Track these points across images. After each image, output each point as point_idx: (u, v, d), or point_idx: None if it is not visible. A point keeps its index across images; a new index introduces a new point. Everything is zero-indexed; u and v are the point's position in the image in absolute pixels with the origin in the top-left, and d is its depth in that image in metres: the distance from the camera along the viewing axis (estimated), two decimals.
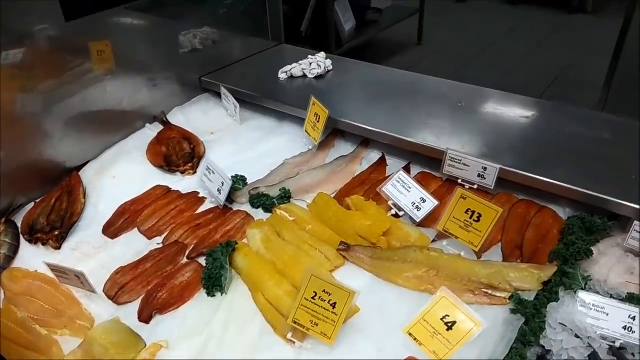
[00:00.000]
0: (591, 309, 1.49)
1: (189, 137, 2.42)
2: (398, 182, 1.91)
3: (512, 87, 2.71)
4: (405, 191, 1.88)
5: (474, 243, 1.67)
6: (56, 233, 1.93)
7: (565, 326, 1.45)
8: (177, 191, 2.14)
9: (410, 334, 1.48)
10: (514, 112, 2.31)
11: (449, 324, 1.45)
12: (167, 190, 2.15)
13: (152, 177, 2.23)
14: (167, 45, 2.54)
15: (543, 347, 1.42)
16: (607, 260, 1.67)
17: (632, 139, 2.07)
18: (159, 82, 2.55)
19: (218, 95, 2.72)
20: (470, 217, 1.65)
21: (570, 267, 1.61)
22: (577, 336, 1.43)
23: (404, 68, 2.92)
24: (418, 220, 1.83)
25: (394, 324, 1.52)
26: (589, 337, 1.43)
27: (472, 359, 1.41)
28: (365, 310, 1.54)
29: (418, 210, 1.84)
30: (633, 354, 1.40)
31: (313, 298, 1.46)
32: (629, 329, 1.43)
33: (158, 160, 2.30)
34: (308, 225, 1.86)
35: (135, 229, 1.99)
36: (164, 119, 2.56)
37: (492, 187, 1.93)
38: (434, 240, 1.79)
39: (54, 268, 1.72)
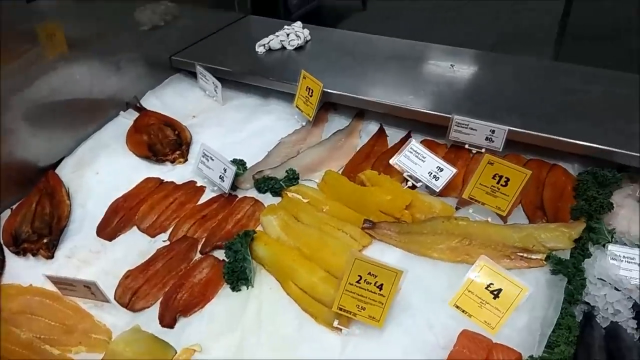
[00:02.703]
0: (622, 261, 1.52)
1: (170, 123, 2.25)
2: (411, 152, 1.85)
3: (466, 43, 2.71)
4: (420, 161, 1.84)
5: (501, 208, 1.65)
6: (45, 241, 1.74)
7: (604, 281, 1.48)
8: (171, 182, 1.99)
9: (457, 307, 1.46)
10: (504, 71, 2.32)
11: (495, 292, 1.44)
12: (160, 182, 1.99)
13: (139, 169, 2.05)
14: (128, 24, 2.31)
15: (588, 303, 1.44)
16: (625, 212, 1.71)
17: (624, 90, 2.13)
18: (126, 64, 2.33)
19: (191, 74, 2.54)
20: (498, 182, 1.62)
21: (595, 222, 1.63)
22: (616, 289, 1.46)
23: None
24: (438, 190, 1.79)
25: (437, 298, 1.49)
26: (625, 289, 1.46)
27: (524, 324, 1.40)
28: (404, 288, 1.49)
29: (436, 180, 1.80)
30: None
31: (358, 282, 1.39)
32: None
33: (142, 150, 2.12)
34: (325, 206, 1.78)
35: (134, 228, 1.83)
36: (138, 104, 2.35)
37: (501, 150, 1.92)
38: (457, 208, 1.76)
39: (57, 280, 1.55)
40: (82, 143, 2.14)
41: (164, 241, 1.77)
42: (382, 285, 1.38)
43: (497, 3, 6.31)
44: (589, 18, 3.78)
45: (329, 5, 6.20)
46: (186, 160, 2.10)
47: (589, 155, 1.86)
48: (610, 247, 1.55)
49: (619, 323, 1.37)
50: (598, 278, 1.49)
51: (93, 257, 1.73)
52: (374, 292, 1.39)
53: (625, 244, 1.59)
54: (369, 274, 1.39)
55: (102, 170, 2.04)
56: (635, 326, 1.36)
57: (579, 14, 3.97)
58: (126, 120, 2.28)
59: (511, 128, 1.88)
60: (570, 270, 1.48)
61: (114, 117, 2.29)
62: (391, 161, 1.86)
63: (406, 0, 6.60)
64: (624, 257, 1.52)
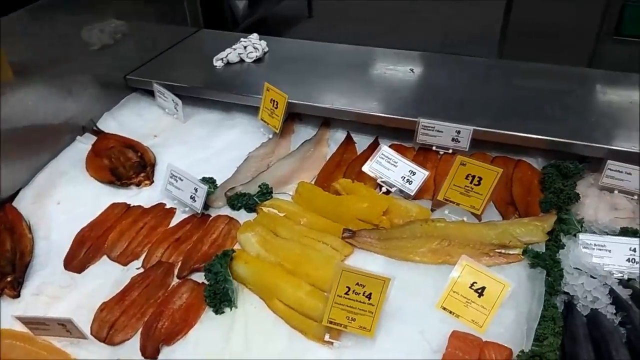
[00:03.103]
0: (594, 249, 1.58)
1: (131, 144, 2.17)
2: (382, 158, 1.87)
3: (412, 45, 2.79)
4: (392, 166, 1.85)
5: (475, 207, 1.69)
6: (9, 279, 1.64)
7: (580, 270, 1.53)
8: (139, 206, 1.91)
9: (444, 308, 1.47)
10: (460, 71, 2.37)
11: (479, 290, 1.47)
12: (127, 207, 1.92)
13: (103, 196, 1.97)
14: (76, 45, 2.22)
15: (567, 293, 1.49)
16: (590, 201, 1.78)
17: (575, 83, 2.23)
18: (79, 87, 2.24)
19: (148, 93, 2.46)
20: (471, 182, 1.66)
21: (564, 214, 1.69)
22: (592, 277, 1.52)
23: None
24: (412, 194, 1.81)
25: (424, 301, 1.50)
26: (600, 276, 1.52)
27: (511, 319, 1.43)
28: (391, 294, 1.49)
29: (410, 184, 1.81)
30: None
31: (347, 293, 1.39)
32: (632, 260, 1.55)
33: (104, 176, 2.04)
34: (302, 218, 1.77)
35: (104, 257, 1.75)
36: (95, 127, 2.27)
37: (467, 149, 1.97)
38: (432, 210, 1.79)
39: (28, 320, 1.46)
40: (39, 172, 2.03)
41: (137, 269, 1.70)
42: (370, 294, 1.38)
43: (437, 4, 6.51)
44: (530, 15, 3.92)
45: (276, 13, 6.19)
46: (152, 182, 2.03)
47: (551, 149, 1.93)
48: (581, 236, 1.61)
49: (599, 310, 1.42)
50: (574, 267, 1.54)
51: (63, 292, 1.64)
52: (363, 302, 1.39)
53: (594, 232, 1.66)
54: (357, 284, 1.38)
55: (63, 200, 1.94)
56: (614, 311, 1.41)
57: (520, 12, 4.13)
58: (84, 145, 2.18)
59: (476, 128, 1.93)
60: (547, 262, 1.52)
61: (71, 143, 2.20)
62: (364, 168, 1.87)
63: (351, 6, 6.69)
64: (595, 245, 1.58)
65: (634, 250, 1.55)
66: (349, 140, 2.15)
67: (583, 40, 3.74)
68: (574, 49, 3.79)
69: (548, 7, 3.79)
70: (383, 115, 2.06)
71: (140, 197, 1.97)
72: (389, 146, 2.06)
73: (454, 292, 1.48)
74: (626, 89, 2.21)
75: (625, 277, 1.53)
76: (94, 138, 2.21)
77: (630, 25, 3.41)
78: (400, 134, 2.11)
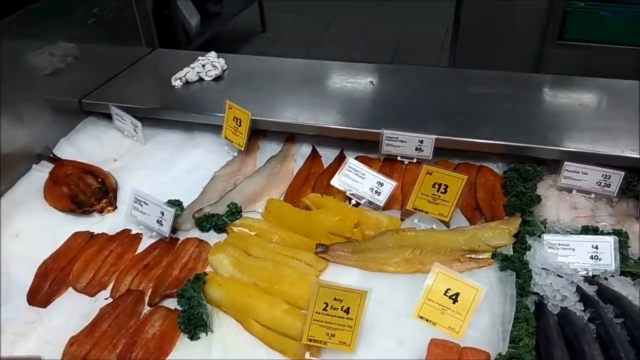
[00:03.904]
0: (558, 248, 1.64)
1: (91, 170, 2.11)
2: (350, 170, 1.88)
3: (365, 57, 2.86)
4: (360, 178, 1.87)
5: (443, 214, 1.72)
6: None
7: (548, 270, 1.58)
8: (103, 234, 1.86)
9: (421, 317, 1.49)
10: (417, 81, 2.44)
11: (453, 297, 1.49)
12: (90, 235, 1.85)
13: (65, 225, 1.90)
14: (26, 70, 2.14)
15: (537, 293, 1.53)
16: (551, 202, 1.85)
17: (525, 89, 2.32)
18: (31, 113, 2.16)
19: (105, 116, 2.40)
20: (438, 190, 1.69)
21: (528, 216, 1.75)
22: (559, 276, 1.57)
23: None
24: (382, 205, 1.83)
25: (401, 311, 1.51)
26: (566, 274, 1.57)
27: (486, 323, 1.46)
28: (368, 306, 1.49)
29: (378, 195, 1.83)
30: (606, 278, 1.58)
31: (325, 309, 1.38)
32: (595, 257, 1.61)
33: (64, 204, 1.97)
34: (273, 236, 1.75)
35: (70, 289, 1.68)
36: (51, 154, 2.18)
37: (431, 158, 2.01)
38: (401, 219, 1.81)
39: None
40: None
41: (106, 299, 1.64)
42: (348, 308, 1.38)
43: (385, 16, 6.67)
44: (478, 23, 4.06)
45: (229, 29, 6.17)
46: (115, 208, 1.97)
47: (510, 153, 2.00)
48: (546, 237, 1.66)
49: (568, 308, 1.47)
50: (542, 268, 1.59)
51: (29, 329, 1.56)
52: (342, 317, 1.39)
53: (557, 232, 1.72)
54: (335, 299, 1.38)
55: (22, 232, 1.86)
56: (583, 308, 1.46)
57: (468, 21, 4.26)
58: (40, 173, 2.10)
59: (438, 136, 1.97)
60: (516, 264, 1.56)
61: (27, 172, 2.11)
62: (332, 182, 1.88)
63: (303, 19, 6.75)
64: (559, 244, 1.64)
65: (596, 247, 1.61)
66: (315, 154, 2.16)
67: (529, 46, 3.89)
68: (521, 54, 3.94)
69: (495, 15, 3.92)
70: (347, 128, 2.08)
71: (104, 224, 1.91)
72: (355, 158, 2.09)
73: (429, 300, 1.50)
74: (575, 92, 2.31)
75: (590, 274, 1.59)
76: (50, 165, 2.13)
77: (573, 30, 3.58)
78: (365, 146, 2.14)
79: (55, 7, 2.21)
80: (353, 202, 1.87)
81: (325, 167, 2.10)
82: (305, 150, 2.20)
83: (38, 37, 2.16)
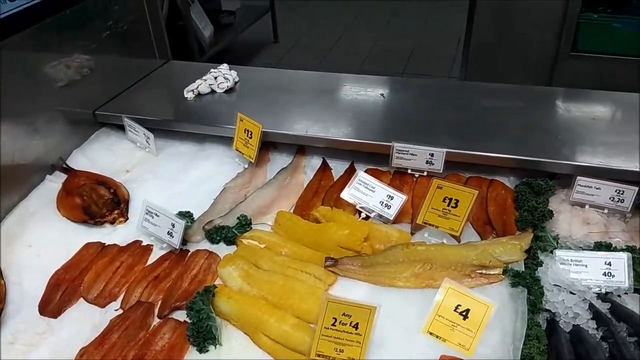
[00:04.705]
0: (571, 264, 1.62)
1: (103, 181, 2.13)
2: (360, 183, 1.88)
3: (377, 69, 2.87)
4: (370, 191, 1.87)
5: (454, 229, 1.71)
6: None
7: (560, 286, 1.56)
8: (115, 245, 1.87)
9: (430, 333, 1.48)
10: (428, 94, 2.43)
11: (464, 313, 1.48)
12: (102, 246, 1.87)
13: (77, 236, 1.91)
14: (41, 82, 2.17)
15: (549, 310, 1.51)
16: (564, 217, 1.83)
17: (537, 102, 2.30)
18: (46, 125, 2.18)
19: (118, 127, 2.43)
20: (448, 205, 1.68)
21: (540, 231, 1.73)
22: (571, 292, 1.55)
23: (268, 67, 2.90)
24: (392, 219, 1.82)
25: (410, 327, 1.50)
26: (579, 291, 1.55)
27: (496, 340, 1.44)
28: (377, 322, 1.49)
29: (388, 208, 1.83)
30: (619, 295, 1.56)
31: (333, 325, 1.38)
32: (609, 274, 1.59)
33: (77, 215, 1.99)
34: (283, 249, 1.75)
35: (81, 300, 1.70)
36: (65, 165, 2.21)
37: (442, 171, 2.00)
38: (412, 234, 1.80)
39: None
40: (8, 214, 1.96)
41: (116, 310, 1.65)
42: (357, 324, 1.38)
43: (398, 28, 6.69)
44: (491, 35, 4.05)
45: (241, 40, 6.22)
46: (127, 219, 1.99)
47: (522, 167, 1.98)
48: (558, 252, 1.64)
49: (580, 325, 1.45)
50: (553, 285, 1.57)
51: (40, 339, 1.58)
52: (351, 332, 1.38)
53: (570, 248, 1.70)
54: (344, 314, 1.38)
55: (34, 242, 1.88)
56: (595, 326, 1.44)
57: (480, 33, 4.26)
58: (54, 184, 2.13)
59: (449, 150, 1.96)
60: (528, 280, 1.55)
61: (40, 182, 2.13)
62: (342, 194, 1.88)
63: (316, 31, 6.79)
64: (571, 260, 1.62)
65: (609, 263, 1.59)
66: (325, 167, 2.16)
67: (542, 58, 3.88)
68: (533, 66, 3.93)
69: (507, 27, 3.91)
70: (358, 140, 2.08)
71: (115, 235, 1.93)
72: (365, 171, 2.08)
73: (439, 316, 1.49)
74: (587, 105, 2.29)
75: (603, 291, 1.57)
76: (64, 176, 2.16)
77: (586, 42, 3.56)
78: (375, 158, 2.14)
79: (71, 20, 2.25)
80: (363, 215, 1.86)
81: (335, 179, 2.10)
82: (315, 162, 2.20)
83: (53, 49, 2.19)
